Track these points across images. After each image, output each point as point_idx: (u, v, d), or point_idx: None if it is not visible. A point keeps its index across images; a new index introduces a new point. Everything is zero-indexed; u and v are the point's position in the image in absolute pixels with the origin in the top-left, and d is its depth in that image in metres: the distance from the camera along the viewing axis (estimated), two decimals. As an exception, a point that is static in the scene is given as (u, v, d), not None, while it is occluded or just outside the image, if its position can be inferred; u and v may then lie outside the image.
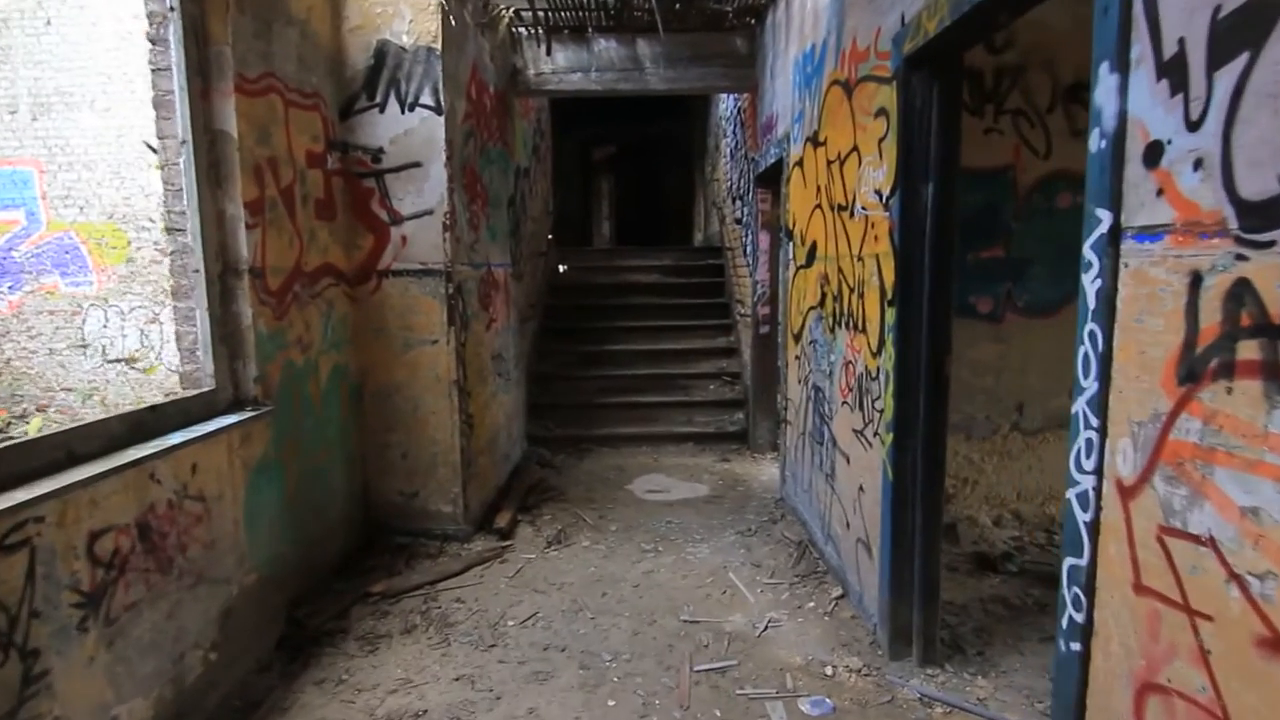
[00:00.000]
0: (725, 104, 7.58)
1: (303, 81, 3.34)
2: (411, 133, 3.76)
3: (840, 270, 3.39)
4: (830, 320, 3.58)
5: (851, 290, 3.23)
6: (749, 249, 6.11)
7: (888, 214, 2.74)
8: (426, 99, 3.74)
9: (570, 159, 13.80)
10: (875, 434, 2.94)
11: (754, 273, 5.79)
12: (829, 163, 3.55)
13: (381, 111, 3.76)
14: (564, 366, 6.86)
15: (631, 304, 7.62)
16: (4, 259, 8.33)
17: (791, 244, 4.38)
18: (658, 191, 14.46)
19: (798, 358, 4.29)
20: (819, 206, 3.75)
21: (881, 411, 2.84)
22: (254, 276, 2.93)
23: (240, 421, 2.78)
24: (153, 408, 2.46)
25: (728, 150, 7.40)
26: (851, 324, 3.22)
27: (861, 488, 3.13)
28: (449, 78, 3.83)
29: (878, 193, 2.86)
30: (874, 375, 2.94)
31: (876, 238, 2.89)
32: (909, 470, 2.71)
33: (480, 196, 4.51)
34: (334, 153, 3.67)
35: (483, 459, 4.44)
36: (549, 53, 5.57)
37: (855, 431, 3.19)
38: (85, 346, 7.34)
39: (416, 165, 3.78)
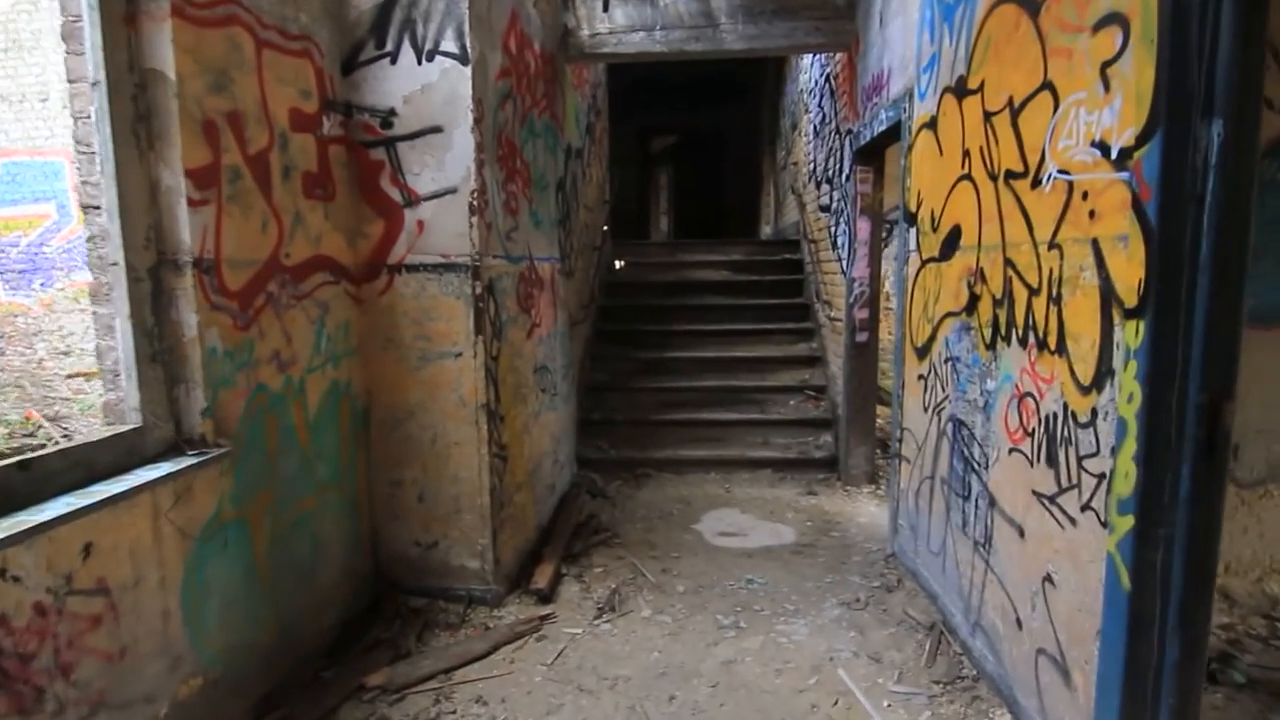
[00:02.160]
0: (808, 75, 6.59)
1: (285, 18, 2.55)
2: (430, 89, 2.94)
3: (1011, 264, 2.41)
4: (987, 332, 2.60)
5: (1034, 292, 2.25)
6: (841, 240, 5.13)
7: (1127, 175, 1.76)
8: (449, 44, 2.91)
9: (627, 149, 12.98)
10: (1085, 508, 1.97)
11: (848, 269, 4.80)
12: (988, 115, 2.57)
13: (393, 62, 2.95)
14: (620, 376, 6.00)
15: (696, 305, 6.71)
16: (35, 254, 7.95)
17: (915, 231, 3.39)
18: (719, 183, 13.50)
19: (922, 378, 3.31)
20: (966, 178, 2.77)
21: (1105, 478, 1.86)
22: (202, 272, 2.14)
23: (175, 473, 1.99)
24: (23, 464, 1.69)
25: (810, 128, 6.40)
26: (1034, 340, 2.24)
27: (1050, 578, 2.16)
28: (479, 20, 3.00)
29: (1100, 145, 1.88)
30: (1084, 420, 1.97)
31: (1096, 213, 1.91)
32: (1159, 576, 1.73)
33: (520, 175, 3.68)
34: (332, 114, 2.87)
35: (520, 496, 3.61)
36: (606, 8, 4.71)
37: (1040, 496, 2.22)
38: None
39: (436, 130, 2.96)
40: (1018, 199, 2.36)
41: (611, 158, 8.01)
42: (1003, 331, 2.48)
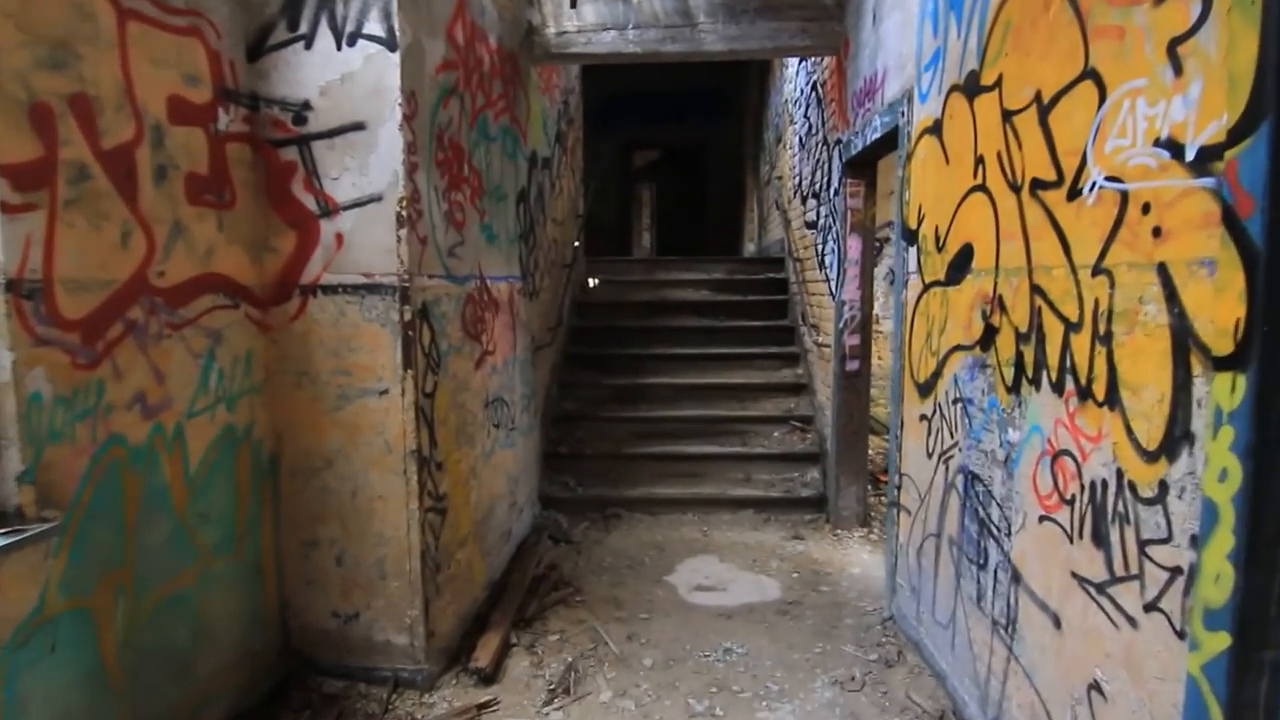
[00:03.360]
0: (793, 84, 6.22)
1: (165, -14, 2.10)
2: (352, 79, 2.50)
3: (1040, 291, 1.99)
4: (1008, 372, 2.17)
5: (1072, 327, 1.83)
6: (829, 259, 4.72)
7: (1213, 182, 1.35)
8: (374, 26, 2.47)
9: (609, 164, 12.62)
10: (1152, 608, 1.53)
11: (838, 290, 4.39)
12: (1008, 115, 2.16)
13: (308, 47, 2.50)
14: (590, 404, 5.54)
15: (674, 326, 6.28)
16: None
17: (915, 250, 2.98)
18: (702, 198, 13.17)
19: (925, 419, 2.88)
20: (980, 189, 2.36)
21: (1183, 576, 1.42)
22: (20, 296, 1.67)
23: (-35, 562, 1.50)
24: None
25: (795, 140, 6.03)
26: (1074, 386, 1.82)
27: (1099, 687, 1.71)
28: (412, 0, 2.56)
29: (1168, 144, 1.47)
30: (1147, 495, 1.54)
31: (1164, 231, 1.49)
32: (1265, 715, 1.30)
33: (469, 183, 3.23)
34: (233, 107, 2.42)
35: (464, 553, 3.13)
36: (574, 4, 4.30)
37: (1083, 581, 1.78)
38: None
39: (358, 127, 2.51)
40: (1049, 213, 1.94)
41: (593, 173, 7.62)
42: (1029, 373, 2.05)
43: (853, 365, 4.34)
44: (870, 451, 4.75)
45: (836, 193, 4.46)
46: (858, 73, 3.90)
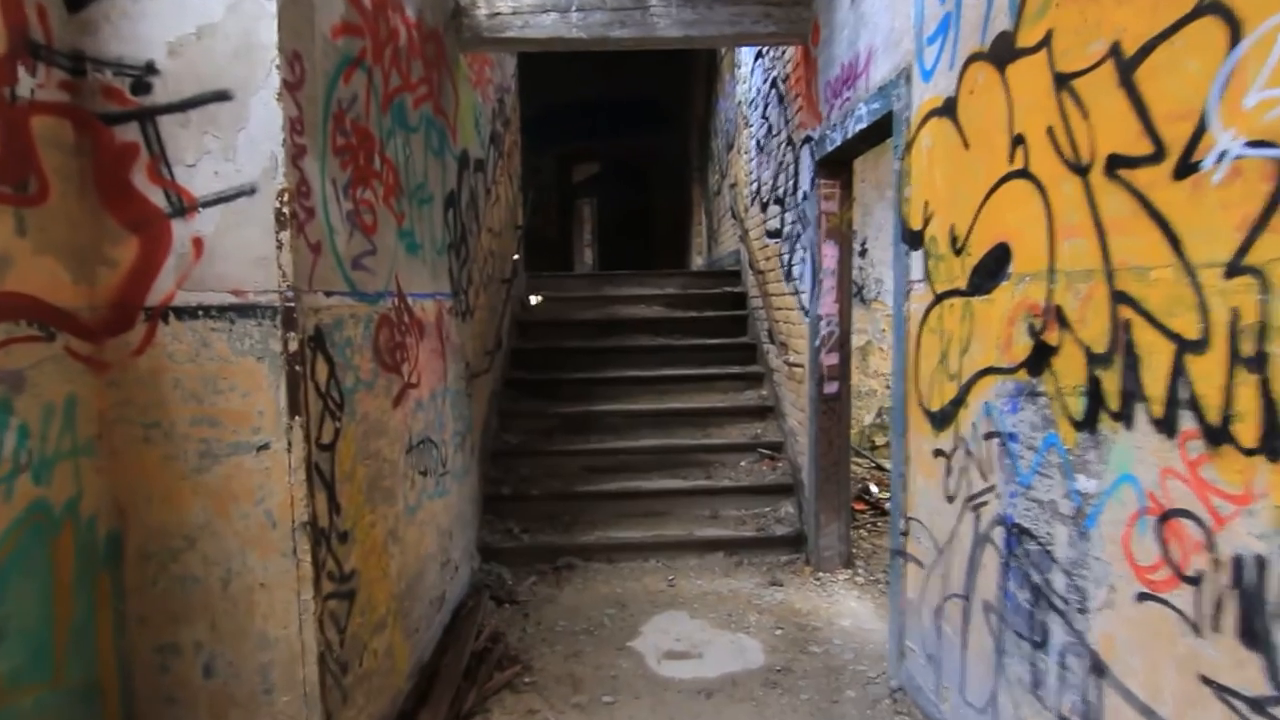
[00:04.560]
0: (746, 84, 5.82)
1: (-86, -117, 1.46)
2: (211, 33, 1.88)
3: (1128, 300, 1.53)
4: (1075, 402, 1.71)
5: (1190, 346, 1.37)
6: (799, 270, 4.28)
7: None
8: (240, -36, 1.87)
9: (547, 178, 12.09)
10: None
11: (812, 304, 3.94)
12: (1062, 80, 1.72)
13: (151, -9, 1.88)
14: (536, 437, 4.93)
15: (626, 346, 5.74)
16: None
17: (921, 254, 2.53)
18: (646, 213, 12.77)
19: (943, 455, 2.41)
20: (1020, 174, 1.92)
21: None
22: None
23: None
24: None
25: (752, 144, 5.61)
26: (1198, 426, 1.35)
27: (1261, 845, 1.24)
28: (297, -63, 1.97)
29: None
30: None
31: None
32: None
33: (381, 178, 2.63)
34: (42, 68, 1.77)
35: (382, 639, 2.50)
36: (508, -19, 3.77)
37: (1222, 691, 1.31)
38: None
39: (222, 97, 1.90)
40: (1141, 198, 1.49)
41: (532, 186, 7.06)
42: (1112, 405, 1.59)
43: (831, 388, 3.89)
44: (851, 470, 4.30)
45: (806, 196, 4.03)
46: (831, 60, 3.47)
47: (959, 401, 2.28)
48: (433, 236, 3.31)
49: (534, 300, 6.33)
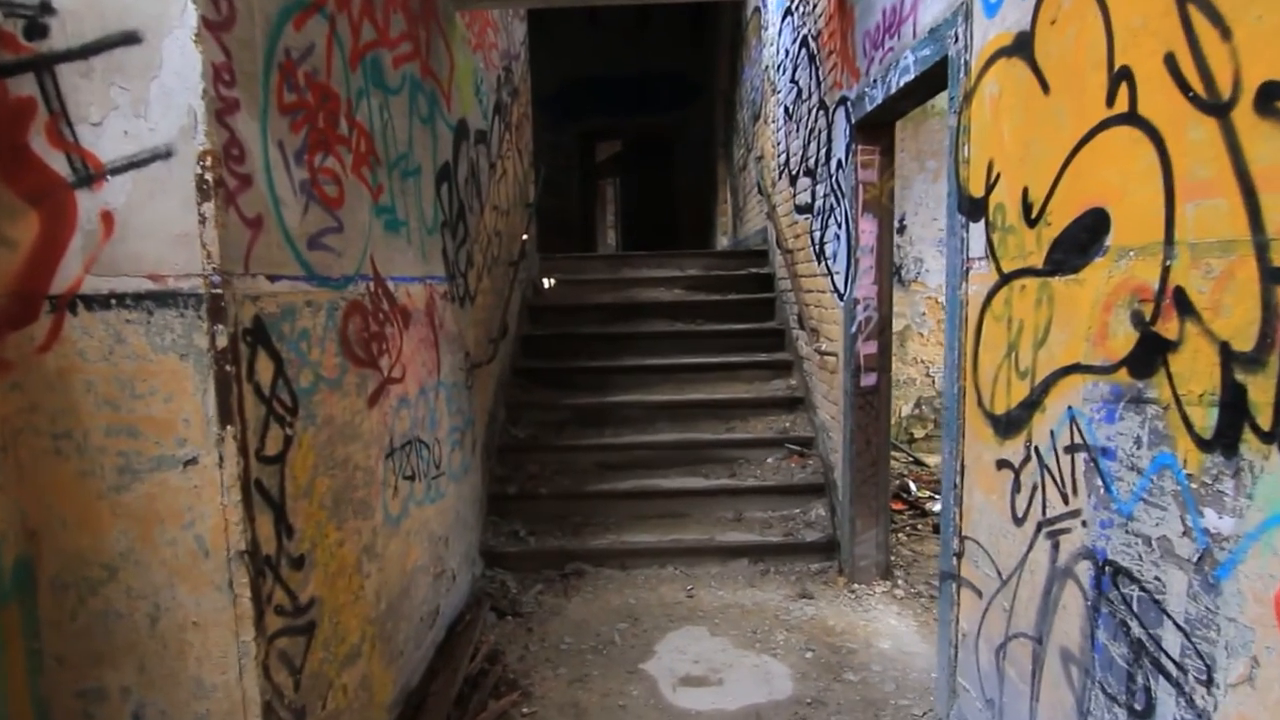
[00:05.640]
0: (773, 47, 5.37)
1: None
2: (117, -39, 1.55)
3: (1296, 279, 1.13)
4: (1201, 414, 1.31)
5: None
6: (831, 248, 3.86)
7: None
8: (145, -128, 1.52)
9: (568, 157, 11.68)
10: None
11: (847, 286, 3.54)
12: (1191, -11, 1.30)
13: (43, -90, 1.54)
14: (546, 430, 4.61)
15: (645, 332, 5.38)
16: None
17: (984, 226, 2.12)
18: (670, 191, 12.31)
19: (1009, 467, 2.02)
20: (1124, 119, 1.50)
21: None
22: None
23: None
24: None
25: (780, 111, 5.16)
26: None
27: None
28: None
29: None
30: None
31: None
32: None
33: (350, 145, 2.29)
34: (-95, 3, 1.45)
35: (353, 673, 2.19)
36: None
37: None
38: None
39: (129, 40, 1.56)
40: (1320, 138, 1.08)
41: (544, 164, 6.69)
42: (1261, 420, 1.19)
43: (869, 379, 3.48)
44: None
45: (840, 166, 3.61)
46: (870, 6, 3.04)
47: (1032, 405, 1.88)
48: (421, 213, 2.97)
49: (547, 284, 5.99)
